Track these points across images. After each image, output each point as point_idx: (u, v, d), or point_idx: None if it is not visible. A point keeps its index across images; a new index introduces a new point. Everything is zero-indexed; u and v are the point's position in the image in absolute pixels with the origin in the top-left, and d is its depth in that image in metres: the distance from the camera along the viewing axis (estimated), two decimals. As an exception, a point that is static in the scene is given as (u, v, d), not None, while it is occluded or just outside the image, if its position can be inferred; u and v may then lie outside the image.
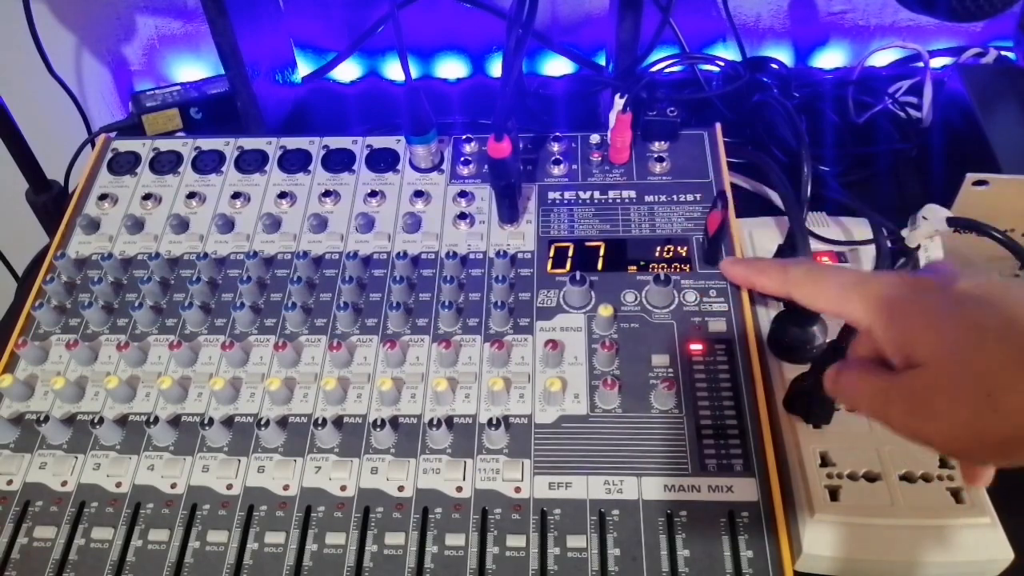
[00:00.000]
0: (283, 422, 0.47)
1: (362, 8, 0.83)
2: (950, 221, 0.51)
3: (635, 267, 0.53)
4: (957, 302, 0.31)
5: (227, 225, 0.58)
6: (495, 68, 0.87)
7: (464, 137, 0.62)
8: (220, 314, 0.53)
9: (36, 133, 0.72)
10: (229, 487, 0.45)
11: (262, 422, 0.46)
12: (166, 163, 0.62)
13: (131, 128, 0.77)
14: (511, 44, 0.51)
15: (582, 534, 0.42)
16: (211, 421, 0.46)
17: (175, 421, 0.48)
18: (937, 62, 0.80)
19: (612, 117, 0.57)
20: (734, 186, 0.62)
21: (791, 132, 0.68)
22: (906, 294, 0.33)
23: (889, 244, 0.55)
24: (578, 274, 0.51)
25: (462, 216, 0.56)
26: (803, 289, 0.40)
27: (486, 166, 0.59)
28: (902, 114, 0.75)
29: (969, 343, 0.30)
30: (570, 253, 0.54)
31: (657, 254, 0.54)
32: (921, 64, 0.76)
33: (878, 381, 0.33)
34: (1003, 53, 0.80)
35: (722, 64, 0.79)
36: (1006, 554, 0.41)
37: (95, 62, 0.88)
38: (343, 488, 0.45)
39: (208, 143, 0.63)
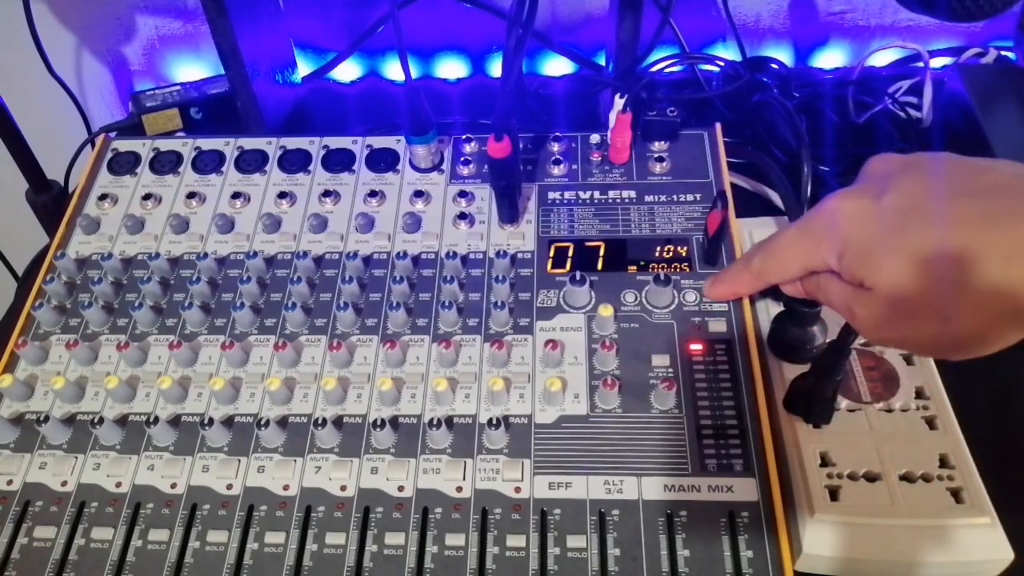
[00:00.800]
0: (283, 422, 0.47)
1: (362, 8, 0.83)
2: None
3: (635, 267, 0.53)
4: (890, 226, 0.33)
5: (227, 225, 0.58)
6: (495, 68, 0.87)
7: (464, 137, 0.62)
8: (220, 314, 0.53)
9: (36, 133, 0.71)
10: (229, 487, 0.45)
11: (262, 422, 0.46)
12: (166, 163, 0.62)
13: (131, 128, 0.77)
14: (511, 44, 0.51)
15: (582, 534, 0.42)
16: (211, 421, 0.46)
17: (175, 421, 0.48)
18: (937, 62, 0.80)
19: (612, 117, 0.57)
20: (734, 186, 0.62)
21: (791, 132, 0.68)
22: (844, 229, 0.35)
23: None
24: (578, 274, 0.51)
25: (462, 216, 0.56)
26: (771, 272, 0.41)
27: (486, 166, 0.59)
28: (902, 114, 0.75)
29: (911, 273, 0.32)
30: (570, 253, 0.54)
31: (657, 254, 0.54)
32: (921, 64, 0.76)
33: (847, 291, 0.36)
34: (1003, 53, 0.80)
35: (722, 64, 0.79)
36: (1006, 554, 0.41)
37: (95, 62, 0.88)
38: (343, 488, 0.45)
39: (208, 143, 0.63)
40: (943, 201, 0.32)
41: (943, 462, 0.44)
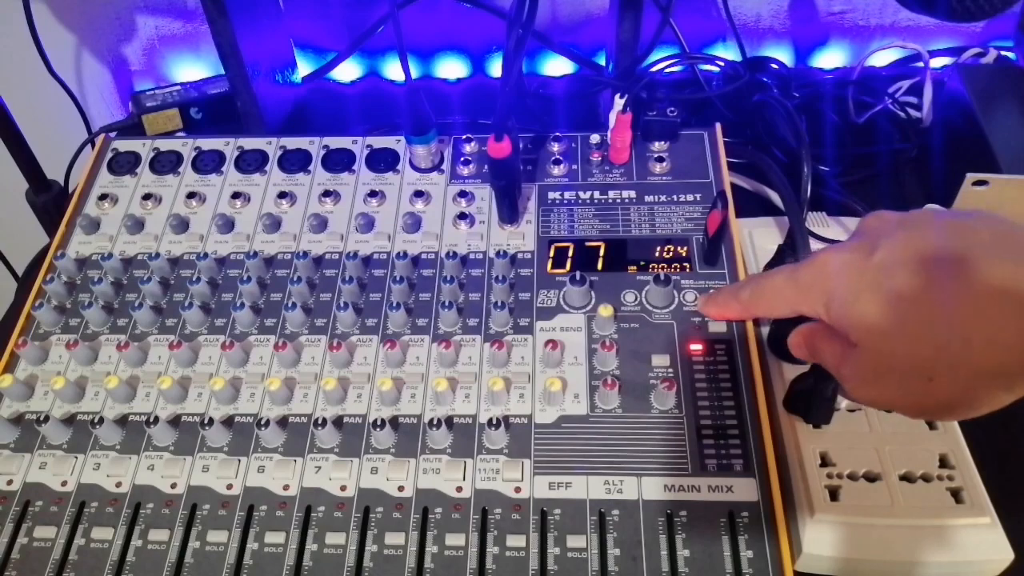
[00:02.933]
0: (283, 422, 0.47)
1: (362, 8, 0.83)
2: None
3: (635, 267, 0.53)
4: (874, 280, 0.33)
5: (227, 225, 0.58)
6: (495, 68, 0.87)
7: (464, 137, 0.62)
8: (220, 314, 0.53)
9: (36, 133, 0.71)
10: (229, 487, 0.45)
11: (262, 422, 0.46)
12: (166, 163, 0.62)
13: (131, 128, 0.77)
14: (511, 44, 0.51)
15: (582, 534, 0.42)
16: (211, 421, 0.46)
17: (175, 421, 0.48)
18: (937, 62, 0.80)
19: (612, 117, 0.57)
20: (734, 186, 0.62)
21: (791, 132, 0.68)
22: (832, 280, 0.35)
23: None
24: (578, 274, 0.51)
25: (462, 216, 0.56)
26: (758, 308, 0.42)
27: (486, 166, 0.59)
28: (902, 114, 0.75)
29: (891, 326, 0.32)
30: (570, 253, 0.54)
31: (657, 254, 0.54)
32: (921, 64, 0.76)
33: (836, 347, 0.36)
34: (1003, 53, 0.80)
35: (722, 64, 0.79)
36: (1006, 554, 0.41)
37: (95, 62, 0.88)
38: (343, 488, 0.45)
39: (208, 143, 0.63)
40: (926, 259, 0.32)
41: (943, 462, 0.44)
